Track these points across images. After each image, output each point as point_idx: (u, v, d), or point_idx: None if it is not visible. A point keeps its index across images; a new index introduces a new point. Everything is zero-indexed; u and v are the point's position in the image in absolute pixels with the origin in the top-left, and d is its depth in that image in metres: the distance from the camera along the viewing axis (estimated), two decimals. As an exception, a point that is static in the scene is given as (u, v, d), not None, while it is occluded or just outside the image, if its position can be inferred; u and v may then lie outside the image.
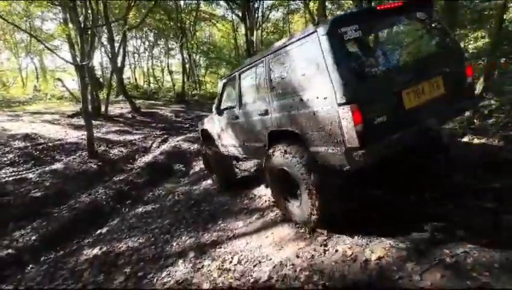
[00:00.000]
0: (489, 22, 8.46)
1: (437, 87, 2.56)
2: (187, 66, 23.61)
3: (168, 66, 26.58)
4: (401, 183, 3.30)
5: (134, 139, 10.54)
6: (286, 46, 2.75)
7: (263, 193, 4.28)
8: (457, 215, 2.54)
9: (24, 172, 6.84)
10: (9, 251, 4.32)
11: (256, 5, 19.96)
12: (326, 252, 2.45)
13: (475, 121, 4.87)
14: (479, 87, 4.70)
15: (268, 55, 3.05)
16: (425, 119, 2.46)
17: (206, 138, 5.19)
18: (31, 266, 4.03)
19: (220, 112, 4.37)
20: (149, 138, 10.70)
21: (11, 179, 6.39)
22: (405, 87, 2.41)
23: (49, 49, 9.29)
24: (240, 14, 18.20)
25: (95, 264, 3.52)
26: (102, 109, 13.21)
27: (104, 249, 3.88)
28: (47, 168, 7.13)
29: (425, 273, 1.98)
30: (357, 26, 2.38)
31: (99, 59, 23.15)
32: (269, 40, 25.43)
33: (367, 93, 2.25)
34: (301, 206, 2.82)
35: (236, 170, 5.58)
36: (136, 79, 27.61)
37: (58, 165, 7.39)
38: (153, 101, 18.59)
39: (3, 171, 6.73)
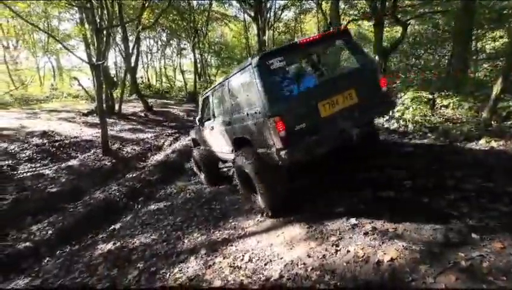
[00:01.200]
0: (509, 22, 8.23)
1: (350, 98, 3.23)
2: (199, 65, 23.81)
3: (180, 66, 26.88)
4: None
5: (147, 138, 10.72)
6: (236, 73, 3.61)
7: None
8: (473, 218, 2.49)
9: (41, 168, 7.05)
10: (27, 243, 4.47)
11: (268, 5, 19.94)
12: (338, 253, 2.44)
13: (492, 123, 4.75)
14: (496, 89, 4.59)
15: (227, 78, 3.91)
16: (340, 123, 3.13)
17: (196, 144, 6.33)
18: (47, 259, 4.16)
19: (202, 123, 5.33)
20: (161, 136, 10.85)
21: (29, 174, 6.60)
22: (320, 100, 3.10)
23: (66, 48, 9.52)
24: (252, 14, 18.20)
25: (109, 258, 3.60)
26: (116, 107, 13.48)
27: (118, 244, 3.97)
28: (63, 165, 7.33)
29: (439, 276, 1.95)
30: (281, 58, 3.17)
31: (113, 59, 23.64)
32: (281, 40, 25.39)
33: (288, 108, 2.98)
34: (259, 198, 3.49)
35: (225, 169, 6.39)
36: (148, 78, 28.00)
37: (73, 162, 7.59)
38: (165, 100, 18.84)
39: (22, 167, 6.95)
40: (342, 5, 14.34)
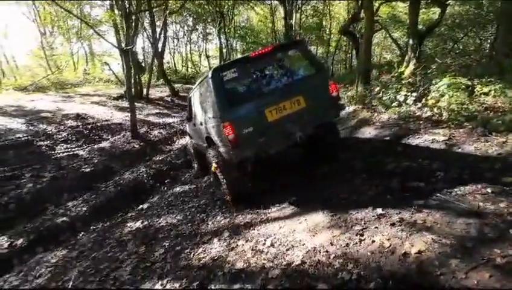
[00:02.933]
0: None
1: (298, 103, 3.58)
2: (224, 50, 23.75)
3: (205, 51, 26.97)
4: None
5: (173, 122, 10.98)
6: (201, 81, 4.18)
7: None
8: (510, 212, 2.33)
9: (76, 149, 7.47)
10: (64, 218, 4.80)
11: (296, -13, 19.27)
12: (362, 242, 2.39)
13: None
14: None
15: (199, 84, 4.35)
16: (285, 127, 3.52)
17: (190, 137, 6.66)
18: (82, 233, 4.46)
19: (189, 120, 5.82)
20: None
21: (65, 154, 7.02)
22: (267, 107, 3.49)
23: (97, 34, 9.85)
24: (279, -3, 17.72)
25: (138, 236, 3.79)
26: (144, 92, 13.86)
27: (146, 223, 4.16)
28: (95, 146, 7.72)
29: (471, 271, 1.86)
30: (234, 70, 3.60)
31: (141, 44, 24.12)
32: (308, 24, 24.58)
33: (238, 114, 3.41)
34: (224, 188, 3.92)
35: None
36: (175, 64, 28.41)
37: (105, 144, 7.97)
38: (190, 86, 19.08)
39: (59, 147, 7.40)
40: (374, -15, 13.51)
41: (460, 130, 4.62)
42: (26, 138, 7.45)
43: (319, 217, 2.98)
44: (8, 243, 4.10)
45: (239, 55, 28.81)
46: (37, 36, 21.09)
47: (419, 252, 2.12)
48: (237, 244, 2.92)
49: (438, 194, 2.92)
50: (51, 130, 8.24)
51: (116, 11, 12.84)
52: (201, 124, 4.48)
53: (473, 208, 2.55)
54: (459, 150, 4.01)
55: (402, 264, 2.06)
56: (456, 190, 2.94)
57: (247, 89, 3.68)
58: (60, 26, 21.20)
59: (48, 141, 7.56)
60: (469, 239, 2.16)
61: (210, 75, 3.60)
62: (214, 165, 3.89)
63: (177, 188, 5.62)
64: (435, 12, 14.10)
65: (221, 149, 3.74)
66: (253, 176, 4.37)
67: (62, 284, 3.02)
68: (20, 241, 4.16)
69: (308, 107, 3.60)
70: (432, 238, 2.22)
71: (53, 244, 4.17)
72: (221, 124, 3.40)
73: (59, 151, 7.17)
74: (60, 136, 7.97)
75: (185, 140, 8.86)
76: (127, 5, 8.87)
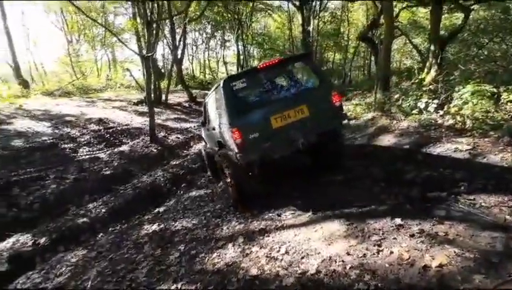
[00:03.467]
0: None
1: (302, 112, 3.79)
2: (241, 57, 24.03)
3: (223, 57, 27.39)
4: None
5: (190, 127, 11.16)
6: (214, 89, 4.43)
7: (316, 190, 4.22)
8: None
9: (97, 152, 7.72)
10: (85, 219, 4.95)
11: (314, -6, 19.31)
12: (380, 253, 2.33)
13: None
14: None
15: (213, 91, 4.59)
16: (289, 133, 3.73)
17: (203, 140, 7.01)
18: (101, 234, 4.57)
19: (203, 125, 6.10)
20: (203, 126, 11.20)
21: (87, 157, 7.27)
22: (273, 115, 3.72)
23: (120, 41, 10.24)
24: (297, 3, 17.75)
25: (154, 239, 3.85)
26: (163, 97, 14.20)
27: (162, 226, 4.22)
28: (115, 150, 7.95)
29: (497, 288, 1.77)
30: (244, 80, 3.87)
31: (161, 51, 24.78)
32: (326, 30, 24.50)
33: (245, 121, 3.68)
34: (230, 189, 4.19)
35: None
36: (193, 70, 28.99)
37: (124, 148, 8.19)
38: (207, 91, 19.36)
39: (81, 150, 7.68)
40: (394, -10, 13.31)
41: (485, 139, 4.44)
42: (51, 140, 7.78)
43: (335, 226, 2.93)
44: (32, 241, 4.26)
45: (256, 62, 29.14)
46: (64, 44, 22.14)
47: (441, 265, 2.04)
48: (251, 251, 2.90)
49: (461, 206, 2.82)
50: (75, 134, 8.58)
51: (138, 20, 13.30)
52: (213, 129, 4.79)
53: (498, 221, 2.44)
54: (484, 160, 3.86)
55: (422, 278, 1.99)
56: (480, 201, 2.82)
57: (255, 98, 3.97)
58: (85, 34, 22.20)
59: (72, 144, 7.86)
60: (494, 254, 2.06)
61: (222, 84, 3.88)
62: (224, 168, 4.21)
63: (193, 193, 5.68)
64: (458, 17, 13.72)
65: (230, 153, 4.00)
66: (266, 181, 4.56)
67: (81, 283, 3.11)
68: (43, 240, 4.32)
69: (312, 116, 3.80)
70: (455, 252, 2.13)
71: (73, 244, 4.30)
72: (230, 129, 3.68)
73: (81, 154, 7.44)
74: (82, 140, 8.28)
75: (201, 145, 8.98)
76: (149, 14, 9.17)
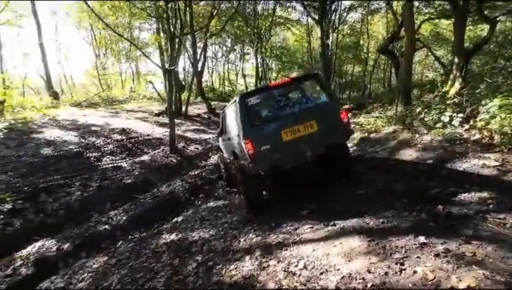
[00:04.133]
0: None
1: (311, 127, 4.07)
2: (260, 69, 24.38)
3: (242, 70, 27.88)
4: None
5: (209, 138, 11.34)
6: (231, 104, 4.74)
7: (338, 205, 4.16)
8: None
9: (120, 161, 7.98)
10: (106, 226, 5.10)
11: (333, 7, 19.44)
12: (403, 272, 2.24)
13: None
14: None
15: (230, 104, 4.89)
16: (298, 146, 4.00)
17: (220, 151, 7.29)
18: (121, 241, 4.68)
19: (220, 135, 6.41)
20: (222, 137, 11.35)
21: (110, 166, 7.53)
22: (283, 129, 4.02)
23: (144, 55, 10.69)
24: (316, 17, 17.93)
25: (172, 248, 3.89)
26: (183, 109, 14.56)
27: (180, 236, 4.27)
28: (137, 159, 8.19)
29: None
30: (257, 96, 4.33)
31: (182, 64, 25.58)
32: (345, 43, 24.48)
33: (257, 133, 4.00)
34: (242, 196, 4.66)
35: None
36: (212, 82, 29.65)
37: (145, 157, 8.42)
38: (226, 103, 19.68)
39: (105, 158, 7.97)
40: (416, 2, 13.21)
41: (515, 155, 4.23)
42: (77, 149, 8.13)
43: (355, 242, 2.85)
44: (56, 246, 4.43)
45: (274, 74, 29.48)
46: (92, 57, 23.41)
47: (469, 288, 1.93)
48: (269, 264, 2.88)
49: (490, 225, 2.68)
50: (99, 143, 8.92)
51: (162, 34, 13.87)
52: (229, 139, 5.13)
53: None
54: (515, 177, 3.66)
55: (448, 300, 1.90)
56: (511, 221, 2.67)
57: (268, 113, 4.36)
58: (112, 49, 23.34)
59: (96, 153, 8.17)
60: (528, 278, 1.94)
61: (238, 100, 4.21)
62: (237, 176, 4.64)
63: (211, 203, 5.73)
64: (483, 28, 13.35)
65: (243, 162, 4.30)
66: (284, 194, 4.74)
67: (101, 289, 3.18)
68: (66, 245, 4.47)
69: (320, 130, 4.09)
70: (484, 274, 2.02)
71: (95, 250, 4.43)
72: (243, 140, 3.97)
73: (105, 163, 7.71)
74: (106, 149, 8.59)
75: (218, 155, 9.08)
76: (172, 29, 9.55)
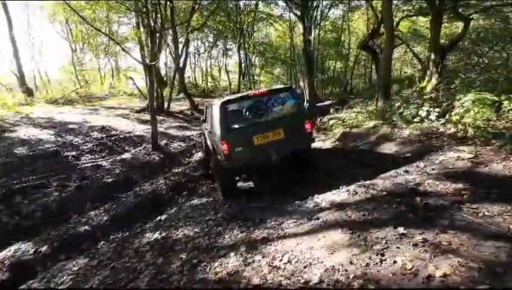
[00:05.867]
0: None
1: (279, 134, 4.74)
2: (243, 65, 24.25)
3: (225, 66, 27.68)
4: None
5: (192, 135, 11.20)
6: (214, 105, 5.21)
7: (315, 196, 4.22)
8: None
9: (99, 159, 7.75)
10: (86, 227, 4.95)
11: (315, 4, 19.54)
12: (383, 262, 2.31)
13: None
14: None
15: (214, 104, 5.32)
16: (266, 150, 4.68)
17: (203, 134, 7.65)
18: (102, 242, 4.56)
19: (204, 123, 6.87)
20: (205, 134, 11.24)
21: (89, 165, 7.30)
22: (255, 134, 4.68)
23: (124, 50, 10.38)
24: (298, 13, 17.97)
25: (156, 247, 3.83)
26: (165, 105, 14.29)
27: (163, 234, 4.20)
28: (118, 157, 7.98)
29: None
30: (236, 104, 4.83)
31: (163, 59, 25.03)
32: (327, 39, 24.74)
33: (233, 137, 4.65)
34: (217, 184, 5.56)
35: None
36: (195, 78, 29.22)
37: (126, 155, 8.23)
38: (209, 99, 19.50)
39: (84, 157, 7.72)
40: (394, 1, 13.50)
41: (487, 147, 4.44)
42: (54, 148, 7.83)
43: (338, 235, 2.91)
44: (34, 249, 4.26)
45: (257, 70, 29.43)
46: (68, 53, 22.46)
47: (445, 275, 2.02)
48: (254, 260, 2.89)
49: (464, 215, 2.80)
50: (77, 141, 8.63)
51: (141, 29, 13.49)
52: (210, 132, 5.71)
53: (502, 230, 2.42)
54: (486, 169, 3.85)
55: (426, 288, 1.97)
56: (483, 210, 2.81)
57: (243, 119, 4.80)
58: (89, 43, 22.50)
59: (74, 152, 7.90)
60: (499, 264, 2.05)
61: (219, 105, 4.76)
62: (213, 168, 5.56)
63: (195, 201, 5.67)
64: (457, 26, 13.86)
65: (219, 157, 4.94)
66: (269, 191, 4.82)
67: (82, 292, 3.09)
68: (44, 248, 4.31)
69: (286, 138, 4.73)
70: (458, 262, 2.12)
71: (75, 252, 4.29)
72: (220, 141, 4.61)
73: (84, 162, 7.47)
74: (85, 147, 8.32)
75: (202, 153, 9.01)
76: (152, 24, 9.31)
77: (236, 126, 4.72)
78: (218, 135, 4.68)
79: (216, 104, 4.97)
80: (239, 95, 5.24)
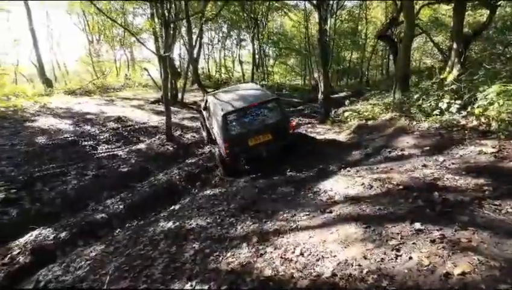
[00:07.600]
0: None
1: (267, 136, 5.96)
2: (257, 56, 24.00)
3: (239, 57, 27.46)
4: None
5: (205, 126, 11.21)
6: (217, 111, 6.16)
7: (328, 188, 4.16)
8: None
9: (115, 149, 7.91)
10: (103, 215, 5.09)
11: (331, -8, 18.99)
12: (398, 258, 2.26)
13: None
14: None
15: (215, 104, 6.48)
16: (258, 149, 5.98)
17: (202, 116, 8.79)
18: (118, 229, 4.68)
19: (204, 109, 8.01)
20: (218, 125, 11.25)
21: (106, 154, 7.46)
22: (250, 138, 5.90)
23: (139, 41, 10.44)
24: (314, 2, 17.51)
25: (169, 236, 3.89)
26: (179, 96, 14.38)
27: (177, 224, 4.27)
28: (133, 147, 8.12)
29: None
30: (235, 114, 5.93)
31: (178, 50, 25.09)
32: (343, 29, 24.11)
33: (232, 139, 5.81)
34: (219, 168, 6.62)
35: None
36: (209, 69, 29.20)
37: (141, 146, 8.36)
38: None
39: (100, 147, 7.89)
40: (415, -13, 12.89)
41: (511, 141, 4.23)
42: (72, 138, 8.04)
43: (352, 229, 2.87)
44: (54, 235, 4.42)
45: (271, 61, 29.11)
46: (86, 44, 22.83)
47: (463, 273, 1.96)
48: (266, 251, 2.89)
49: (486, 211, 2.70)
50: (94, 131, 8.83)
51: (156, 20, 13.52)
52: (211, 124, 6.94)
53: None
54: (510, 164, 3.68)
55: (443, 286, 1.92)
56: (507, 207, 2.70)
57: (240, 125, 5.96)
58: (105, 35, 22.80)
59: (91, 141, 8.09)
60: (522, 263, 1.96)
61: (222, 115, 5.81)
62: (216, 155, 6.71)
63: (208, 191, 5.71)
64: (482, 14, 13.17)
65: (218, 149, 6.40)
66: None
67: (99, 277, 3.19)
68: (63, 234, 4.47)
69: (274, 139, 5.99)
70: (478, 259, 2.04)
71: (92, 238, 4.43)
72: (223, 143, 5.88)
73: (100, 151, 7.65)
74: (102, 137, 8.51)
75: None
76: (166, 14, 9.29)
77: (235, 131, 5.89)
78: (222, 136, 5.88)
79: (219, 113, 5.97)
80: (236, 108, 6.05)
